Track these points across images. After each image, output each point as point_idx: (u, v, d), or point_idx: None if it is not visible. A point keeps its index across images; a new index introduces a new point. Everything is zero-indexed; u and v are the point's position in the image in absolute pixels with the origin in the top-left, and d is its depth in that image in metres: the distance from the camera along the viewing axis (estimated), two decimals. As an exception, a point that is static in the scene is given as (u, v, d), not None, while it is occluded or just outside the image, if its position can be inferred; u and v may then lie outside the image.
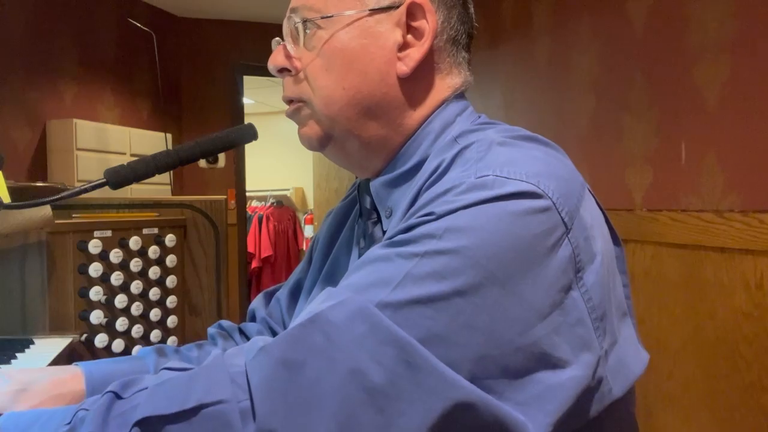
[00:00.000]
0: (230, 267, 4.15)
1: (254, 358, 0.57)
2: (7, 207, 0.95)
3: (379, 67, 0.73)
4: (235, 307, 4.46)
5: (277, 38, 0.79)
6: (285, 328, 0.97)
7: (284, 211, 6.44)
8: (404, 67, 0.73)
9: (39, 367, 0.81)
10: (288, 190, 6.67)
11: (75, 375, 0.80)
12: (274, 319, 0.98)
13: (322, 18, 0.73)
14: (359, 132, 0.74)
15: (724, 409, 1.60)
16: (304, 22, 0.73)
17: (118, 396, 0.59)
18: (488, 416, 0.55)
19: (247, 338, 0.97)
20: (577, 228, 0.61)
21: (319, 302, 0.59)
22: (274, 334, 0.97)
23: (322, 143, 0.77)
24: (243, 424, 0.54)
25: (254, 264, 5.94)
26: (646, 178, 1.95)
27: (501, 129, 0.71)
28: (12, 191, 1.06)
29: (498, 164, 0.61)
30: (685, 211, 1.74)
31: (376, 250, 0.62)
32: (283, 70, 0.77)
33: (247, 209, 5.52)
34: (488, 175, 0.60)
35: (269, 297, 1.01)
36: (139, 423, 0.55)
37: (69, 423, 0.58)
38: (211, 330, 0.99)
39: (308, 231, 6.28)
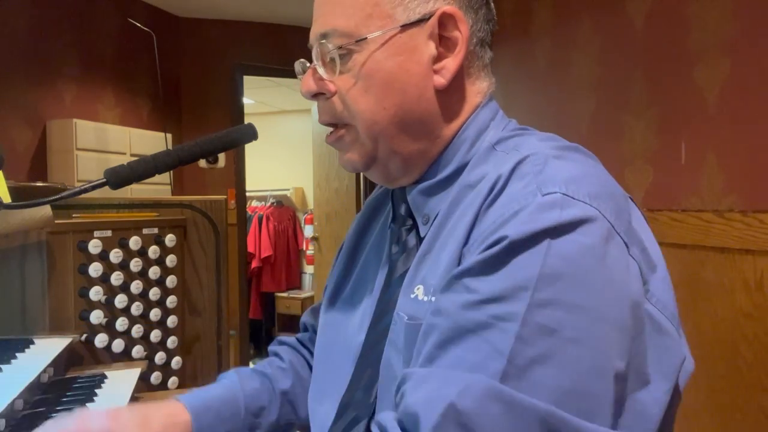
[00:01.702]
0: (230, 267, 4.14)
1: None
2: (7, 207, 0.96)
3: (417, 83, 0.72)
4: (235, 307, 4.46)
5: (302, 60, 0.79)
6: None
7: (284, 211, 6.44)
8: (441, 80, 0.72)
9: (146, 404, 0.88)
10: (288, 190, 6.67)
11: (179, 406, 0.85)
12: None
13: (357, 42, 0.72)
14: (401, 149, 0.74)
15: (724, 409, 1.60)
16: (340, 48, 0.72)
17: None
18: None
19: (306, 348, 1.01)
20: (633, 243, 0.62)
21: (433, 388, 0.56)
22: None
23: (367, 165, 0.77)
24: None
25: (254, 264, 5.94)
26: (646, 178, 1.95)
27: (542, 137, 0.71)
28: (12, 191, 1.06)
29: (561, 180, 0.61)
30: (685, 211, 1.74)
31: (466, 314, 0.58)
32: (317, 95, 0.76)
33: (247, 209, 5.52)
34: (555, 192, 0.59)
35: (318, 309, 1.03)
36: None
37: None
38: (273, 348, 1.02)
39: (308, 231, 6.27)
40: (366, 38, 0.71)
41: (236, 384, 0.91)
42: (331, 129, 0.78)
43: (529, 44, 2.72)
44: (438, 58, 0.72)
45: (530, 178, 0.62)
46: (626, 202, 0.66)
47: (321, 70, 0.74)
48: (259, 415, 0.91)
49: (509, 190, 0.63)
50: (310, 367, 0.98)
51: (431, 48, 0.72)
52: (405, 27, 0.71)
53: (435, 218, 0.74)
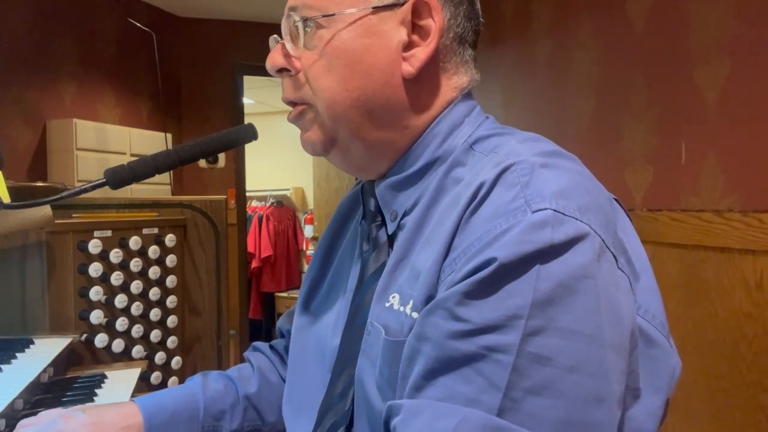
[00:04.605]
0: (230, 267, 4.14)
1: None
2: (7, 207, 0.96)
3: (383, 68, 0.70)
4: (235, 307, 4.46)
5: (275, 36, 0.77)
6: None
7: (284, 211, 6.43)
8: (409, 68, 0.70)
9: (103, 404, 0.89)
10: (288, 190, 6.67)
11: (134, 407, 0.85)
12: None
13: (324, 16, 0.69)
14: (364, 135, 0.72)
15: (724, 409, 1.60)
16: (305, 20, 0.70)
17: None
18: None
19: (277, 354, 1.01)
20: (619, 254, 0.61)
21: (426, 422, 0.54)
22: None
23: (326, 148, 0.75)
24: None
25: (254, 264, 5.94)
26: (646, 178, 1.95)
27: (522, 138, 0.68)
28: (12, 191, 1.06)
29: (550, 193, 0.58)
30: (685, 211, 1.74)
31: (454, 343, 0.55)
32: (282, 70, 0.74)
33: (247, 209, 5.52)
34: (546, 209, 0.56)
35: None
36: None
37: None
38: (245, 353, 1.02)
39: (308, 231, 6.27)
40: (334, 14, 0.69)
41: (198, 386, 0.90)
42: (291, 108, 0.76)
43: (529, 44, 2.72)
44: (409, 46, 0.70)
45: (518, 190, 0.59)
46: (612, 209, 0.64)
47: (289, 45, 0.72)
48: (220, 418, 0.89)
49: (495, 199, 0.60)
50: (279, 374, 0.97)
51: (402, 34, 0.70)
52: (377, 9, 0.69)
53: (404, 216, 0.72)
